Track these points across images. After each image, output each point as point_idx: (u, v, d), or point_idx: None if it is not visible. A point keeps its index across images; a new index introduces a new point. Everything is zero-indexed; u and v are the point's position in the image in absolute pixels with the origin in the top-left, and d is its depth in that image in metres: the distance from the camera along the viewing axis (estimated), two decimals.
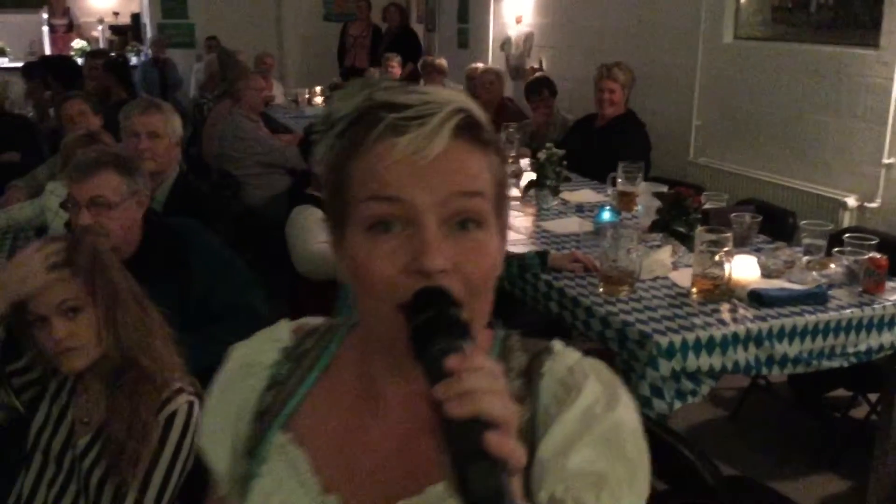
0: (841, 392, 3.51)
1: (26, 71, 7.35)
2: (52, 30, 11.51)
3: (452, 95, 0.76)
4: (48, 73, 6.69)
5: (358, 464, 0.84)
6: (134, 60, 10.23)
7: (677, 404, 2.42)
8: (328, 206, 0.82)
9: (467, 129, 0.75)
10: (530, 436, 0.78)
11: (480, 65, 6.80)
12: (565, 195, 3.92)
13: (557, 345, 0.87)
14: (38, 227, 3.37)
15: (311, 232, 3.06)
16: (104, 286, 1.67)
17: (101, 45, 11.68)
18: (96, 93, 5.58)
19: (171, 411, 1.62)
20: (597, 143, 4.56)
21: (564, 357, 0.85)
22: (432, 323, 0.69)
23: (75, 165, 2.40)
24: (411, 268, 0.72)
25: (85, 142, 3.16)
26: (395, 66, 7.68)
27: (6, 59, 11.05)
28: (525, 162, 4.45)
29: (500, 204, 0.79)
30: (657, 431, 1.96)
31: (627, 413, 0.80)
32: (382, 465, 0.83)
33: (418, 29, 9.72)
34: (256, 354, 0.93)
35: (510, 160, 4.51)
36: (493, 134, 0.80)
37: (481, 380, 0.63)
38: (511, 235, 3.36)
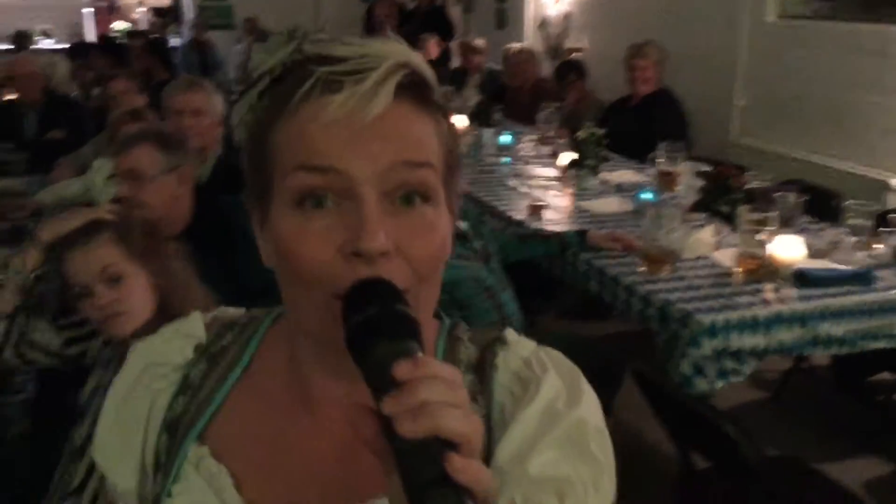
0: (885, 376, 3.46)
1: (71, 52, 7.47)
2: (95, 11, 11.67)
3: (395, 48, 0.65)
4: (93, 54, 6.79)
5: (289, 477, 0.74)
6: (174, 42, 10.33)
7: (719, 384, 2.41)
8: (248, 179, 0.71)
9: (412, 87, 0.65)
10: (485, 438, 0.63)
11: (516, 44, 6.77)
12: (605, 175, 3.90)
13: (510, 334, 0.78)
14: (85, 203, 3.43)
15: None
16: (148, 253, 1.72)
17: (142, 26, 11.82)
18: (138, 74, 5.66)
19: None
20: (633, 122, 4.53)
21: (519, 348, 0.76)
22: (374, 321, 0.58)
23: (118, 140, 2.46)
24: (347, 249, 0.62)
25: (130, 119, 3.21)
26: (433, 47, 7.64)
27: (51, 41, 11.23)
28: (564, 142, 4.43)
29: (450, 176, 0.69)
30: (700, 409, 1.96)
31: (591, 409, 0.72)
32: (317, 478, 0.73)
33: (455, 10, 9.68)
34: (164, 353, 0.80)
35: (549, 140, 4.51)
36: (443, 96, 0.70)
37: (438, 391, 0.52)
38: (550, 215, 3.40)
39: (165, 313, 1.71)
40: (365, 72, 0.62)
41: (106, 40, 6.64)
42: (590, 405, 0.73)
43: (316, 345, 0.70)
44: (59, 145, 4.25)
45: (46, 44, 11.11)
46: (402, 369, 0.53)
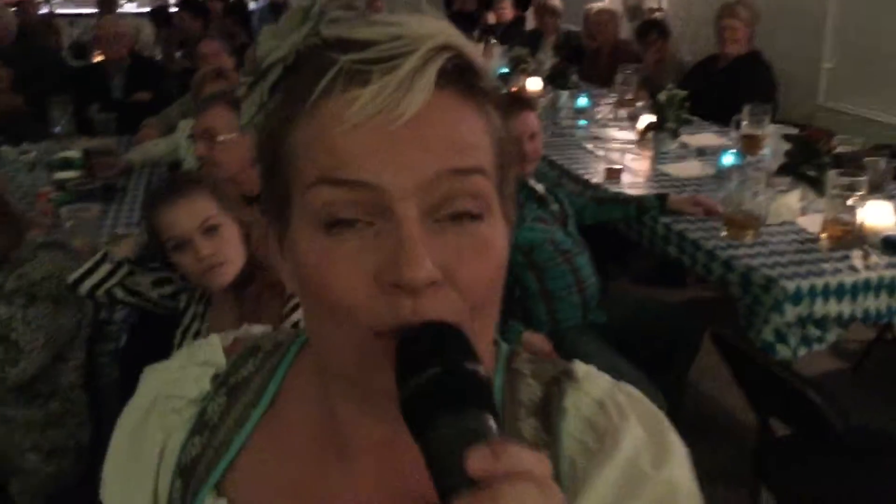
0: None
1: (153, 15, 7.64)
2: None
3: (433, 26, 0.53)
4: (177, 17, 6.93)
5: None
6: (252, 6, 10.45)
7: (802, 351, 2.36)
8: (262, 189, 0.60)
9: (457, 75, 0.54)
10: None
11: (596, 4, 6.63)
12: (685, 138, 3.82)
13: (580, 368, 0.65)
14: (171, 162, 3.53)
15: None
16: (236, 205, 1.80)
17: None
18: (222, 37, 5.76)
19: (296, 320, 1.73)
20: (719, 85, 4.40)
21: (591, 386, 0.63)
22: (435, 387, 0.47)
23: (200, 100, 2.54)
24: (385, 279, 0.51)
25: (213, 77, 3.27)
26: (507, 10, 7.55)
27: (134, 5, 11.47)
28: (642, 103, 4.35)
29: (505, 179, 0.57)
30: (784, 375, 1.93)
31: (681, 467, 0.60)
32: None
33: None
34: (178, 383, 0.70)
35: (627, 102, 4.43)
36: (492, 81, 0.58)
37: (527, 496, 0.42)
38: (628, 178, 3.36)
39: (255, 264, 1.78)
40: (398, 58, 0.51)
41: (190, 3, 6.76)
42: (680, 463, 0.60)
43: (350, 385, 0.58)
44: (145, 106, 4.37)
45: (130, 7, 11.37)
46: (477, 461, 0.42)
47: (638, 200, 2.95)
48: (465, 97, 0.55)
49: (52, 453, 2.11)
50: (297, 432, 0.66)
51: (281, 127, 0.55)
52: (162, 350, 1.96)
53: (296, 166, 0.54)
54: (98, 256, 1.98)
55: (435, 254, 0.51)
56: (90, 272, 1.96)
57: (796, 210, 2.81)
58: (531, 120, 2.69)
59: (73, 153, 3.49)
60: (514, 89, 4.66)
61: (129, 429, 0.71)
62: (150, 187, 3.31)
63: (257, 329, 0.75)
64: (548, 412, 0.62)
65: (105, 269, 1.96)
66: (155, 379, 0.72)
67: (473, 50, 0.56)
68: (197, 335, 1.90)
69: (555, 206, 2.72)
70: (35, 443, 2.09)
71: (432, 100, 0.52)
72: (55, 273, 2.01)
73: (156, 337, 2.01)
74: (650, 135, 3.77)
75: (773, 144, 3.34)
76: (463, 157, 0.53)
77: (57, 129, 3.92)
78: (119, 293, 1.99)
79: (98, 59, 5.21)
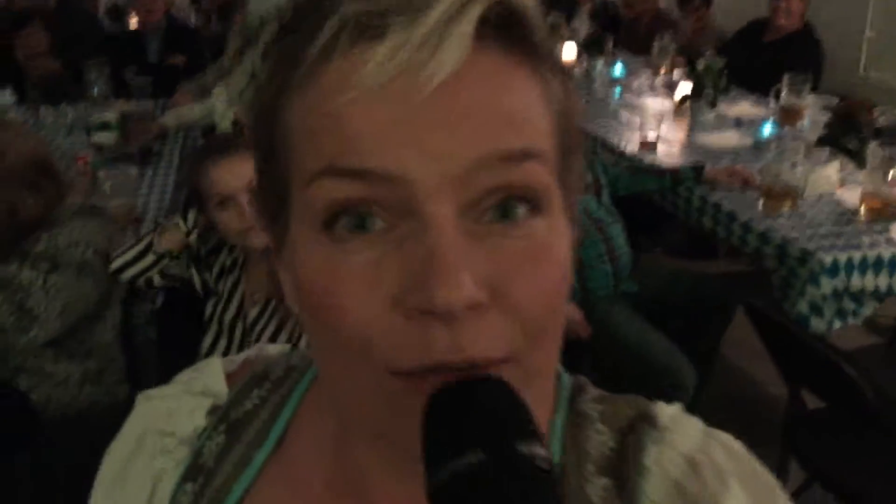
0: None
1: None
2: None
3: None
4: None
5: None
6: None
7: (837, 324, 2.35)
8: (257, 180, 0.48)
9: (504, 27, 0.41)
10: None
11: None
12: (722, 108, 3.76)
13: (663, 411, 0.51)
14: (206, 127, 3.56)
15: None
16: None
17: None
18: None
19: None
20: (764, 56, 4.30)
21: (679, 437, 0.49)
22: (479, 481, 0.35)
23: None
24: (410, 302, 0.39)
25: None
26: None
27: None
28: (679, 72, 4.29)
29: (567, 168, 0.45)
30: (819, 348, 1.91)
31: None
32: None
33: None
34: (170, 417, 0.58)
35: (664, 70, 4.37)
36: (549, 34, 0.45)
37: None
38: (663, 148, 3.32)
39: None
40: (423, 5, 0.38)
41: None
42: None
43: (368, 432, 0.47)
44: (180, 70, 4.39)
45: None
46: None
47: (673, 171, 2.92)
48: (514, 56, 0.41)
49: (90, 409, 2.15)
50: (308, 479, 0.53)
51: (275, 102, 0.43)
52: (196, 313, 2.00)
53: (293, 153, 0.42)
54: (142, 246, 1.99)
55: (477, 266, 0.39)
56: (134, 262, 1.99)
57: (835, 182, 2.77)
58: None
59: (110, 116, 3.52)
60: None
61: (113, 472, 0.59)
62: (185, 152, 3.33)
63: (274, 350, 0.63)
64: (623, 471, 0.48)
65: (149, 259, 1.98)
66: (146, 410, 0.60)
67: None
68: (230, 302, 1.93)
69: (588, 176, 2.71)
70: (73, 398, 2.13)
71: (471, 59, 0.39)
72: (83, 241, 2.03)
73: (192, 299, 2.05)
74: (687, 104, 3.72)
75: (813, 115, 3.29)
76: (513, 137, 0.40)
77: (94, 93, 3.95)
78: (157, 280, 2.02)
79: (134, 23, 5.24)
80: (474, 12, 0.39)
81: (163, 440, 0.58)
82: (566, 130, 0.45)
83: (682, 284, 2.81)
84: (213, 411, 0.58)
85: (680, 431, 0.49)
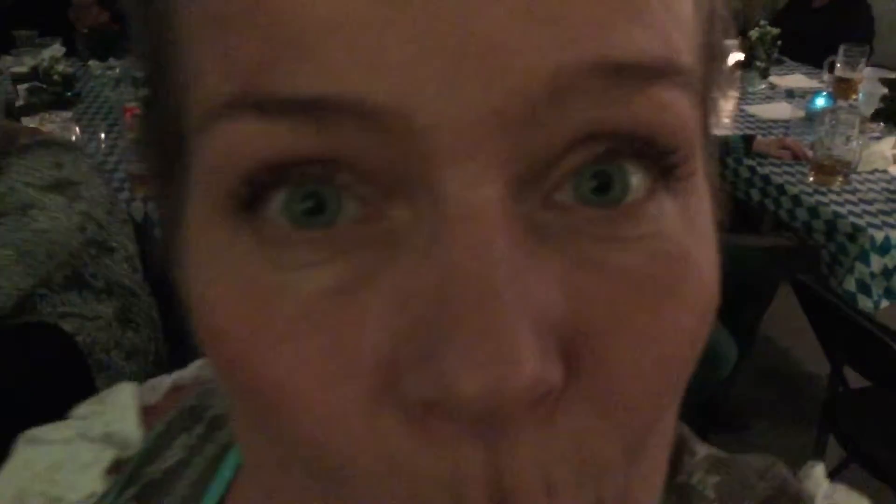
0: None
1: None
2: None
3: None
4: None
5: None
6: None
7: (884, 303, 2.30)
8: (142, 111, 0.27)
9: None
10: None
11: None
12: (774, 79, 3.69)
13: (810, 479, 0.37)
14: None
15: None
16: None
17: None
18: None
19: None
20: (815, 24, 4.21)
21: None
22: None
23: None
24: (411, 389, 0.19)
25: None
26: None
27: None
28: (730, 42, 4.20)
29: (711, 101, 0.26)
30: (868, 326, 1.89)
31: None
32: None
33: None
34: (55, 475, 0.41)
35: None
36: None
37: None
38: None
39: None
40: None
41: None
42: None
43: None
44: None
45: None
46: None
47: (722, 141, 2.87)
48: None
49: (133, 354, 2.18)
50: None
51: None
52: None
53: (190, 64, 0.22)
54: None
55: (549, 308, 0.20)
56: None
57: (889, 158, 2.71)
58: None
59: None
60: None
61: None
62: None
63: (202, 373, 0.43)
64: None
65: None
66: (25, 461, 0.42)
67: None
68: None
69: None
70: (117, 342, 2.15)
71: None
72: (21, 181, 1.87)
73: None
74: (738, 73, 3.64)
75: (869, 88, 3.20)
76: (631, 34, 0.20)
77: None
78: None
79: None
80: None
81: None
82: (712, 20, 0.25)
83: (725, 258, 2.77)
84: (117, 467, 0.40)
85: None
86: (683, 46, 0.22)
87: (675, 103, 0.21)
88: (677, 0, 0.22)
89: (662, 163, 0.22)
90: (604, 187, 0.21)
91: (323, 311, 0.20)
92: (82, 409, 0.43)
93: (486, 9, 0.18)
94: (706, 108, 0.25)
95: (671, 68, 0.21)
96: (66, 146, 2.09)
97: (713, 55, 0.25)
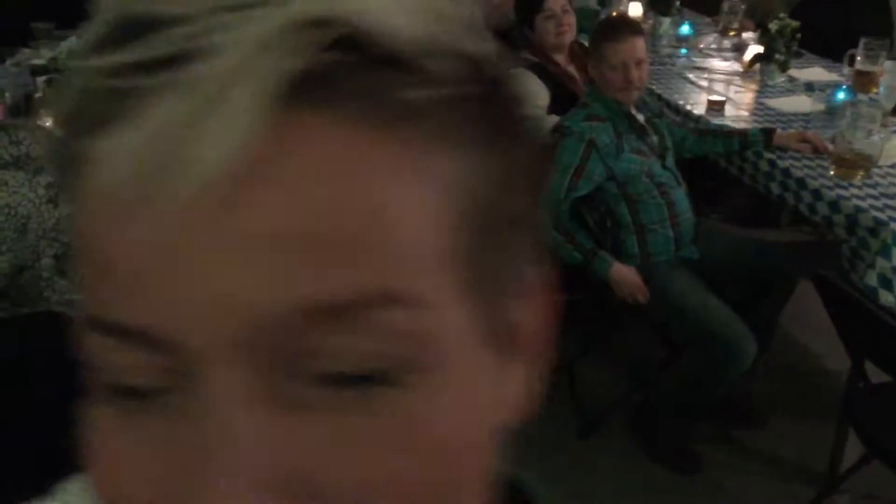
0: None
1: None
2: None
3: None
4: None
5: None
6: None
7: None
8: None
9: (354, 77, 0.24)
10: None
11: None
12: (793, 72, 3.66)
13: None
14: None
15: None
16: None
17: None
18: None
19: None
20: (832, 16, 4.17)
21: None
22: None
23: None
24: (173, 497, 0.26)
25: None
26: None
27: None
28: (749, 35, 4.17)
29: (501, 258, 0.29)
30: (889, 321, 1.87)
31: None
32: None
33: None
34: None
35: (732, 33, 4.25)
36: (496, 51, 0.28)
37: None
38: (731, 111, 3.24)
39: None
40: (208, 51, 0.23)
41: None
42: None
43: None
44: None
45: None
46: None
47: (742, 134, 2.85)
48: (373, 126, 0.25)
49: None
50: None
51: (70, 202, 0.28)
52: None
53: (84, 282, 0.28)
54: None
55: (285, 458, 0.25)
56: None
57: None
58: (640, 46, 2.59)
59: None
60: (613, 14, 4.52)
61: None
62: None
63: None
64: None
65: None
66: None
67: (402, 15, 0.25)
68: None
69: (654, 138, 2.65)
70: None
71: (289, 132, 0.24)
72: None
73: None
74: (757, 66, 3.62)
75: (889, 82, 3.18)
76: (344, 272, 0.24)
77: None
78: None
79: None
80: (292, 59, 0.23)
81: None
82: (493, 211, 0.28)
83: (745, 252, 2.76)
84: None
85: None
86: (412, 271, 0.26)
87: (400, 323, 0.25)
88: (408, 229, 0.25)
89: (386, 374, 0.26)
90: (339, 383, 0.25)
91: (134, 440, 0.27)
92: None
93: (221, 264, 0.24)
94: (485, 283, 0.28)
95: (393, 298, 0.25)
96: (24, 126, 2.05)
97: (494, 246, 0.28)
